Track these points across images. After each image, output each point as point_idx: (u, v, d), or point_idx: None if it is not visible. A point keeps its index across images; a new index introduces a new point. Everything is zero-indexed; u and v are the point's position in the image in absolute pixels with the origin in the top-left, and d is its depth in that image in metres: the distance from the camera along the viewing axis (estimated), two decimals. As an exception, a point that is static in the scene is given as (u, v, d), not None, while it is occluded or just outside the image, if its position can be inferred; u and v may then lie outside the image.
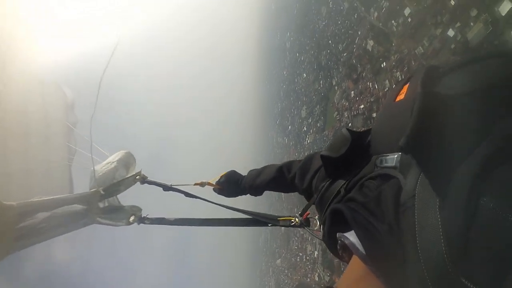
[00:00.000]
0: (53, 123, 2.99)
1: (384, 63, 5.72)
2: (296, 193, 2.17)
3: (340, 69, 8.80)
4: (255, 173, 2.37)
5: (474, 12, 4.16)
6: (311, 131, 11.44)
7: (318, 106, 10.94)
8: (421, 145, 0.88)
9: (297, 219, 1.93)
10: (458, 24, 4.21)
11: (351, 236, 1.06)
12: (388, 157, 1.14)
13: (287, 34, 19.90)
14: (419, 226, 0.85)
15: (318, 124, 10.75)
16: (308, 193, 1.88)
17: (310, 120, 11.88)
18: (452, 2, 4.44)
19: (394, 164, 1.09)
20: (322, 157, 1.47)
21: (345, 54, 8.60)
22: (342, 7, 9.50)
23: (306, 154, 2.22)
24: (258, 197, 2.53)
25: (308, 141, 12.06)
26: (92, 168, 2.38)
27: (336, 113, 8.94)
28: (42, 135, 2.88)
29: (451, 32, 4.27)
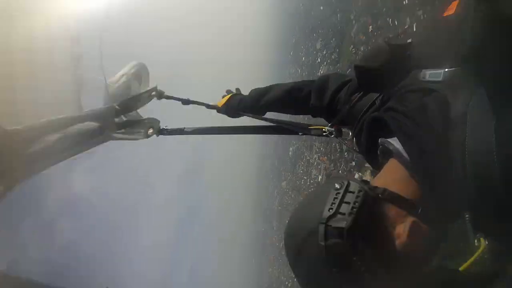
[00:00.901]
0: (59, 50, 2.92)
1: (407, 0, 5.81)
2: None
3: (359, 2, 8.86)
4: (259, 93, 2.28)
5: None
6: (325, 62, 11.56)
7: (333, 39, 11.00)
8: (479, 58, 0.89)
9: (329, 129, 1.92)
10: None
11: (395, 142, 1.10)
12: (433, 71, 1.13)
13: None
14: (470, 146, 0.88)
15: (333, 56, 10.90)
16: (328, 111, 1.92)
17: (324, 52, 11.97)
18: None
19: (441, 79, 1.08)
20: (356, 66, 1.45)
21: (365, -14, 8.53)
22: None
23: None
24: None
25: (321, 72, 12.27)
26: (104, 83, 2.32)
27: (351, 46, 9.14)
28: (47, 63, 2.82)
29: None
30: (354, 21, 9.68)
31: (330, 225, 0.95)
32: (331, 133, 1.92)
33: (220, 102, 2.48)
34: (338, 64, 10.76)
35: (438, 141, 0.98)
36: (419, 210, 1.01)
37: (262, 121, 2.23)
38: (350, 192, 1.00)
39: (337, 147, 8.06)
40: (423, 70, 1.19)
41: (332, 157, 9.43)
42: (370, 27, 8.19)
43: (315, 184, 11.10)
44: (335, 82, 1.89)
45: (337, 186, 1.03)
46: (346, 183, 1.02)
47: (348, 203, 0.98)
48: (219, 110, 2.47)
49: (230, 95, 2.47)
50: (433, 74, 1.12)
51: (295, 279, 1.05)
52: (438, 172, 0.96)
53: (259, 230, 25.80)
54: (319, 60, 13.42)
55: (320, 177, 10.58)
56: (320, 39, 13.69)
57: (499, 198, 0.82)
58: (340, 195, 1.00)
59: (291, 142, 15.87)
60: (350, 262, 0.91)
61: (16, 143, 1.76)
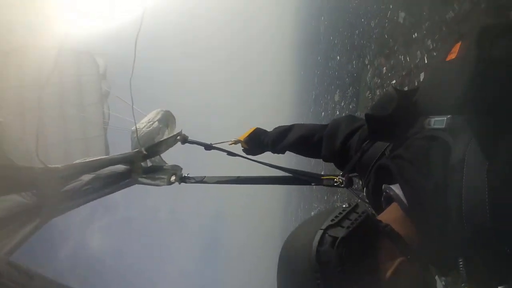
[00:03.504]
0: (87, 91, 3.23)
1: (416, 34, 5.56)
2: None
3: (373, 47, 8.58)
4: (281, 132, 2.41)
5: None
6: (343, 114, 11.20)
7: (350, 88, 10.72)
8: (475, 107, 0.96)
9: (340, 179, 2.00)
10: (490, -20, 4.05)
11: (397, 188, 1.17)
12: (437, 118, 1.18)
13: (321, 18, 19.54)
14: (466, 191, 0.92)
15: (351, 106, 10.51)
16: (338, 157, 1.96)
17: (342, 104, 11.63)
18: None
19: (444, 126, 1.13)
20: (367, 116, 1.49)
21: (377, 30, 8.34)
22: (374, -18, 9.32)
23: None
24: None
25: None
26: (134, 128, 2.50)
27: (368, 92, 8.69)
28: (77, 104, 3.12)
29: (481, -11, 4.11)
30: (368, 66, 9.48)
31: (327, 233, 0.99)
32: (342, 183, 1.98)
33: (244, 135, 2.60)
34: (356, 113, 10.36)
35: (437, 188, 1.00)
36: (411, 253, 1.03)
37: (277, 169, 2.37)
38: (356, 212, 1.06)
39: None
40: (429, 117, 1.23)
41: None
42: (384, 68, 7.96)
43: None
44: (345, 128, 1.93)
45: (345, 205, 1.08)
46: (354, 204, 1.09)
47: (350, 219, 1.03)
48: (244, 149, 2.62)
49: (254, 128, 2.59)
50: (437, 122, 1.17)
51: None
52: (435, 219, 1.01)
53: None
54: (337, 112, 13.22)
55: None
56: (338, 90, 13.58)
57: (493, 248, 0.87)
58: (346, 212, 1.06)
59: (313, 205, 15.27)
60: (333, 276, 0.94)
61: (55, 180, 1.90)
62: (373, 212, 1.21)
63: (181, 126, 2.82)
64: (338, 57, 14.28)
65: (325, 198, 13.04)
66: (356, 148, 1.76)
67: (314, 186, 2.31)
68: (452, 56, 1.20)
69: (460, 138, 1.03)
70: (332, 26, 16.27)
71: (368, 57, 9.46)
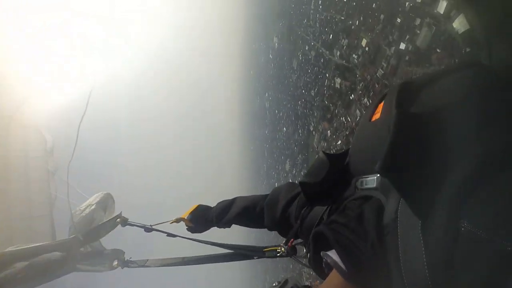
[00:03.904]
0: (33, 169, 3.06)
1: (353, 95, 6.03)
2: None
3: (315, 114, 9.08)
4: (224, 207, 2.40)
5: (417, 21, 4.56)
6: (296, 182, 11.35)
7: (300, 156, 11.07)
8: (397, 168, 0.92)
9: (283, 249, 1.95)
10: (407, 36, 4.58)
11: (334, 254, 1.11)
12: (368, 178, 1.19)
13: (265, 94, 20.68)
14: (403, 250, 0.89)
15: (302, 173, 10.76)
16: (281, 225, 1.97)
17: (294, 172, 11.91)
18: (398, 20, 4.88)
19: (375, 186, 1.14)
20: (301, 183, 1.49)
21: (317, 98, 8.94)
22: (309, 56, 10.10)
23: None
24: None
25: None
26: (70, 214, 2.40)
27: (316, 156, 9.04)
28: (22, 181, 2.98)
29: (402, 46, 4.62)
30: (314, 132, 9.84)
31: None
32: (284, 251, 1.92)
33: (186, 213, 2.52)
34: (308, 179, 10.53)
35: (374, 250, 0.98)
36: None
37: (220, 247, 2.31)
38: None
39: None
40: (361, 178, 1.22)
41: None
42: (329, 132, 8.28)
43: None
44: (284, 197, 1.95)
45: (275, 283, 1.08)
46: (284, 280, 1.09)
47: None
48: (189, 227, 2.52)
49: (196, 205, 2.54)
50: (369, 181, 1.17)
51: None
52: (375, 281, 0.99)
53: None
54: (290, 181, 13.30)
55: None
56: (288, 160, 13.87)
57: None
58: None
59: (280, 276, 14.78)
60: None
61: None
62: (305, 283, 1.19)
63: (127, 207, 2.73)
64: (284, 129, 14.85)
65: (291, 266, 12.69)
66: (296, 215, 1.77)
67: (278, 258, 2.21)
68: (376, 116, 1.21)
69: (391, 195, 1.01)
70: (276, 100, 17.17)
71: (313, 124, 9.89)
